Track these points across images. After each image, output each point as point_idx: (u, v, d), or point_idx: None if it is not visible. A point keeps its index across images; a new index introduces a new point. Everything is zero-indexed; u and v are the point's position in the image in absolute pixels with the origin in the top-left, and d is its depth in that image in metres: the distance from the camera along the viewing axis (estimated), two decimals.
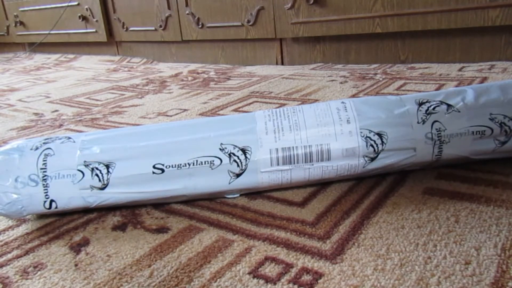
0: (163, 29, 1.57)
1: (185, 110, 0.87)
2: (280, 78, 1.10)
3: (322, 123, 0.42)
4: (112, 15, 1.76)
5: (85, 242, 0.40)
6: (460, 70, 0.97)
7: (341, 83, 0.96)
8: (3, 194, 0.41)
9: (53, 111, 0.97)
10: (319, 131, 0.42)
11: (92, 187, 0.42)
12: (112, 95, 1.10)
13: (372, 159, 0.42)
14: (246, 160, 0.41)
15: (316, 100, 0.83)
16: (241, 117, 0.45)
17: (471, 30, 0.98)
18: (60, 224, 0.44)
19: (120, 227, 0.42)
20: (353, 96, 0.84)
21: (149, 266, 0.35)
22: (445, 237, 0.35)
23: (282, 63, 1.34)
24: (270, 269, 0.33)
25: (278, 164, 0.42)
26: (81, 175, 0.41)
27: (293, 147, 0.41)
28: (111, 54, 1.88)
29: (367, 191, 0.44)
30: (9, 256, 0.39)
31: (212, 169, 0.41)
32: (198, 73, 1.33)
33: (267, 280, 0.32)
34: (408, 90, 0.84)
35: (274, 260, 0.35)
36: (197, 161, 0.41)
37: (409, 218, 0.38)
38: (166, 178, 0.42)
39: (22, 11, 2.21)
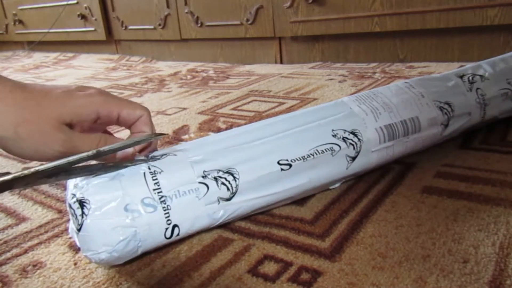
0: (162, 27, 1.57)
1: (184, 108, 0.87)
2: (279, 77, 1.10)
3: (404, 99, 0.46)
4: (111, 13, 1.75)
5: None
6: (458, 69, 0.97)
7: (340, 82, 0.96)
8: (113, 231, 0.33)
9: None
10: (405, 107, 0.45)
11: (219, 199, 0.37)
12: None
13: (446, 126, 0.47)
14: (359, 142, 0.42)
15: (315, 99, 0.83)
16: (332, 105, 0.46)
17: (470, 29, 0.98)
18: (59, 223, 0.44)
19: None
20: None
21: (148, 265, 0.36)
22: (443, 236, 0.35)
23: (281, 62, 1.34)
24: (269, 267, 0.33)
25: (385, 141, 0.44)
26: (205, 187, 0.36)
27: (392, 124, 0.44)
28: (110, 53, 1.88)
29: (366, 189, 0.44)
30: (8, 254, 0.39)
31: (333, 156, 0.41)
32: (197, 71, 1.33)
33: (266, 278, 0.32)
34: None
35: (273, 258, 0.35)
36: (317, 150, 0.40)
37: (408, 216, 0.39)
38: (293, 174, 0.39)
39: (21, 9, 2.20)
